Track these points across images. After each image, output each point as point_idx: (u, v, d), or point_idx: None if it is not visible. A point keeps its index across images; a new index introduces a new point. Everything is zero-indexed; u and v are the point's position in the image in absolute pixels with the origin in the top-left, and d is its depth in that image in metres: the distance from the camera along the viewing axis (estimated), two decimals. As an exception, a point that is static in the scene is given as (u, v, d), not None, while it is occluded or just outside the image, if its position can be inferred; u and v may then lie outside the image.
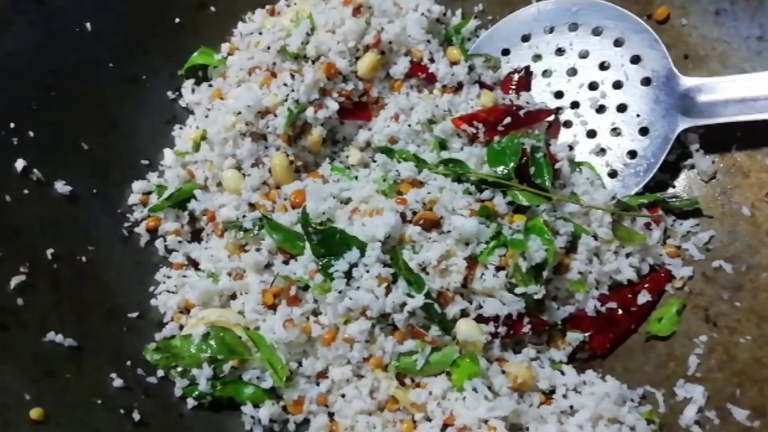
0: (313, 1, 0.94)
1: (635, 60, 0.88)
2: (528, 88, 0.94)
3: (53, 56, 0.85)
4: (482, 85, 0.94)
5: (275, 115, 0.86)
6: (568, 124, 0.91)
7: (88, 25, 0.87)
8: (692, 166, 0.87)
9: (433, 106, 0.90)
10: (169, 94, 0.95)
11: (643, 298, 0.81)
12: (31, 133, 0.80)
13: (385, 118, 0.90)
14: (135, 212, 0.87)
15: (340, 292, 0.74)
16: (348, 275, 0.74)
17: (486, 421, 0.69)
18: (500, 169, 0.82)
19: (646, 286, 0.81)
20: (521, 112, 0.88)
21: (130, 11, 0.91)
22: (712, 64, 0.87)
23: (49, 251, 0.76)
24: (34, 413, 0.64)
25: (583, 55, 0.92)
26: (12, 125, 0.79)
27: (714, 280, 0.79)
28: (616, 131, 0.89)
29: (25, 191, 0.78)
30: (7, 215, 0.75)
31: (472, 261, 0.77)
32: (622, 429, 0.70)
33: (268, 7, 0.98)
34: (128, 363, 0.74)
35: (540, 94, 0.93)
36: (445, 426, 0.71)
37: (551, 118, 0.91)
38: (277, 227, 0.81)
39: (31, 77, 0.82)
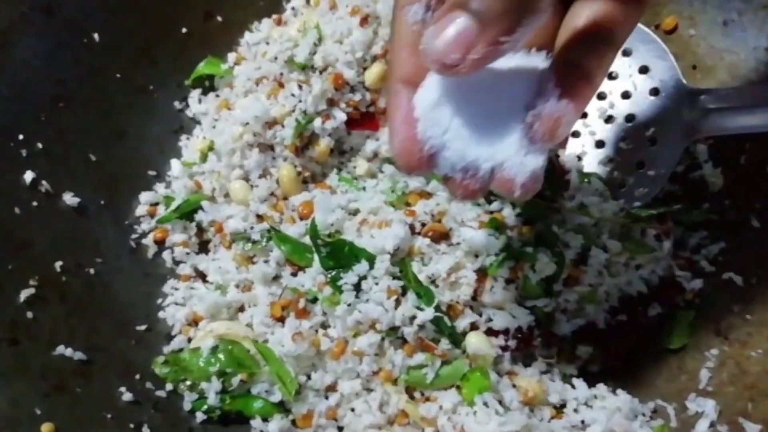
0: (320, 11, 0.94)
1: (643, 70, 0.88)
2: (535, 98, 0.94)
3: (61, 67, 0.84)
4: (489, 95, 0.94)
5: (283, 126, 0.86)
6: (576, 134, 0.91)
7: (96, 35, 0.87)
8: (701, 177, 0.87)
9: (440, 116, 0.90)
10: (176, 104, 0.95)
11: (654, 310, 0.80)
12: (40, 145, 0.80)
13: (393, 128, 0.90)
14: (142, 224, 0.87)
15: (349, 304, 0.73)
16: (357, 288, 0.74)
17: (497, 436, 0.68)
18: (509, 180, 0.82)
19: (657, 298, 0.81)
20: (529, 123, 0.88)
21: (137, 22, 0.91)
22: (720, 75, 0.87)
23: (58, 264, 0.76)
24: (45, 428, 0.63)
25: (591, 65, 0.91)
26: (21, 137, 0.79)
27: (724, 293, 0.79)
28: (624, 142, 0.88)
29: (34, 203, 0.77)
30: (17, 228, 0.75)
31: (482, 273, 0.77)
32: (634, 443, 0.69)
33: (275, 16, 0.98)
34: (137, 376, 0.74)
35: (548, 104, 0.93)
36: (456, 440, 0.70)
37: (559, 128, 0.90)
38: (285, 239, 0.81)
39: (40, 88, 0.82)
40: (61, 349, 0.71)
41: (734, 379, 0.73)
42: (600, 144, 0.90)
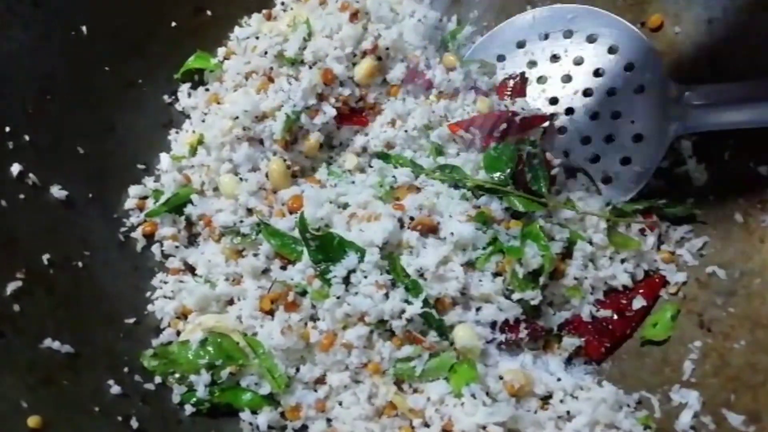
0: (309, 6, 0.94)
1: (629, 67, 0.89)
2: (523, 94, 0.95)
3: (49, 59, 0.84)
4: (478, 91, 0.94)
5: (275, 119, 0.86)
6: (562, 130, 0.92)
7: (84, 28, 0.87)
8: (686, 173, 0.88)
9: (429, 111, 0.90)
10: (166, 98, 0.94)
11: (638, 303, 0.81)
12: (27, 137, 0.79)
13: (382, 123, 0.90)
14: (131, 217, 0.86)
15: (338, 297, 0.74)
16: (346, 281, 0.74)
17: (484, 427, 0.69)
18: (497, 175, 0.83)
19: (641, 291, 0.82)
20: (517, 118, 0.89)
21: (126, 15, 0.90)
22: (704, 72, 0.88)
23: (45, 257, 0.76)
24: (32, 421, 0.63)
25: (578, 62, 0.92)
26: (7, 129, 0.78)
27: (708, 286, 0.80)
28: (610, 138, 0.89)
29: (21, 196, 0.77)
30: (3, 221, 0.74)
31: (469, 267, 0.78)
32: (619, 434, 0.70)
33: (264, 11, 0.98)
34: (125, 369, 0.74)
35: (535, 101, 0.94)
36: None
37: (546, 124, 0.91)
38: (274, 233, 0.81)
39: (27, 81, 0.82)
40: (48, 342, 0.70)
41: (717, 370, 0.74)
42: (586, 140, 0.91)
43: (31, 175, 0.78)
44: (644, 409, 0.74)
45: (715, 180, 0.85)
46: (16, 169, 0.77)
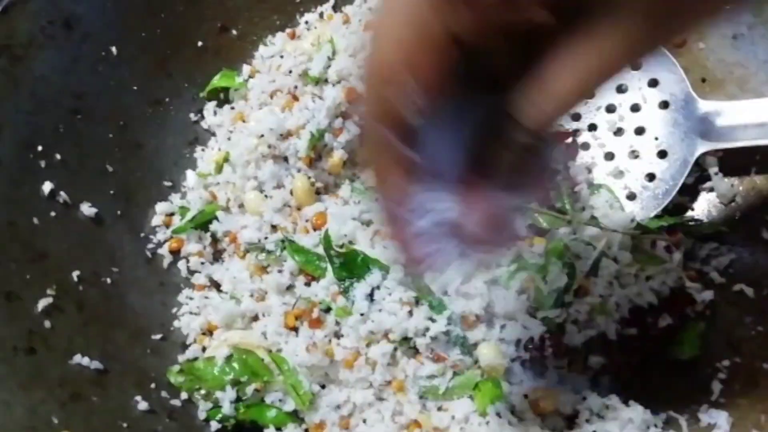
0: (333, 25, 0.95)
1: (653, 83, 0.88)
2: (545, 111, 0.95)
3: (80, 80, 0.86)
4: (500, 108, 0.95)
5: (299, 138, 0.87)
6: (585, 146, 0.92)
7: (113, 49, 0.89)
8: (711, 189, 0.87)
9: (451, 128, 0.91)
10: (192, 116, 0.96)
11: (664, 321, 0.80)
12: (58, 156, 0.81)
13: (404, 140, 0.91)
14: (158, 234, 0.88)
15: (362, 314, 0.74)
16: (370, 298, 0.75)
17: (510, 446, 0.69)
18: (520, 191, 0.83)
19: (667, 309, 0.81)
20: (539, 135, 0.89)
21: (154, 35, 0.92)
22: (729, 88, 0.87)
23: (75, 273, 0.77)
24: (63, 437, 0.64)
25: (601, 78, 0.92)
26: (40, 148, 0.80)
27: (735, 304, 0.79)
28: (634, 154, 0.89)
29: (52, 213, 0.79)
30: (35, 238, 0.76)
31: (493, 284, 0.78)
32: (647, 455, 0.69)
33: (288, 30, 0.99)
34: (152, 385, 0.75)
35: (557, 117, 0.94)
36: (469, 450, 0.71)
37: (569, 140, 0.91)
38: (298, 249, 0.81)
39: (59, 101, 0.83)
40: (77, 359, 0.72)
41: (747, 390, 0.73)
42: (610, 156, 0.90)
43: (61, 193, 0.80)
44: (672, 429, 0.73)
45: (742, 196, 0.85)
46: (47, 187, 0.79)
